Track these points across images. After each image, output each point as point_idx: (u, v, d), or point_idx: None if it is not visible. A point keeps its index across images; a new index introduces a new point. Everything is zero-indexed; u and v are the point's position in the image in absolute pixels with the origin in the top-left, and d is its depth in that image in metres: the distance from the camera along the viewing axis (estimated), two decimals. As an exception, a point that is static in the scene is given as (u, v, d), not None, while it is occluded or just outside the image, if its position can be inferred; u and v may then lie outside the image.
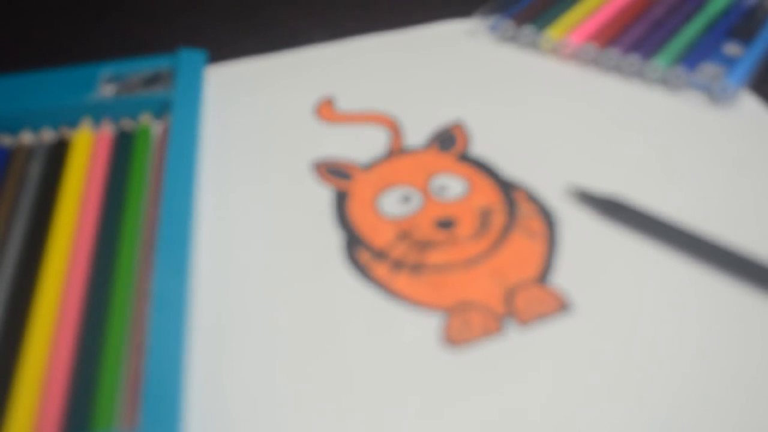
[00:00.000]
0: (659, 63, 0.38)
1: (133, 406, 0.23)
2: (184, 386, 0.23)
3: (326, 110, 0.38)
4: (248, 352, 0.26)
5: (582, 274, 0.28)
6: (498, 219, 0.31)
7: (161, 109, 0.36)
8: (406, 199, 0.32)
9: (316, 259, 0.29)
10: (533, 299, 0.27)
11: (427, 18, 0.45)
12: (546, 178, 0.33)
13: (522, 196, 0.32)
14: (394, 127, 0.36)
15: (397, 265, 0.29)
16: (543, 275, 0.28)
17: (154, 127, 0.35)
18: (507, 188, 0.32)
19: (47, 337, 0.25)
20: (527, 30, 0.41)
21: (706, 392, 0.24)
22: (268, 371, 0.25)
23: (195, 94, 0.36)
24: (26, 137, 0.34)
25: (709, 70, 0.38)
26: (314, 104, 0.38)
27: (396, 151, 0.35)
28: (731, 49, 0.40)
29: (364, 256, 0.29)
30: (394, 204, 0.32)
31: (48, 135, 0.34)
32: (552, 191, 0.32)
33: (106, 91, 0.37)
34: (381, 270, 0.29)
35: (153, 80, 0.38)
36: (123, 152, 0.33)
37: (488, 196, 0.32)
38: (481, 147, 0.35)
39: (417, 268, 0.29)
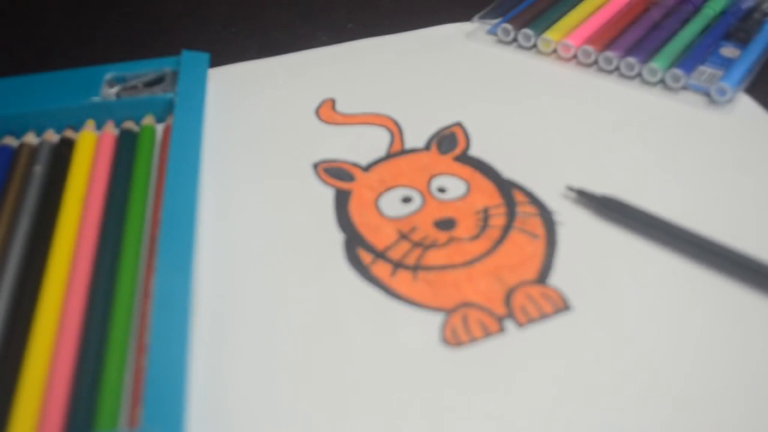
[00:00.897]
0: (657, 65, 0.38)
1: (136, 405, 0.23)
2: (187, 386, 0.23)
3: (327, 111, 0.38)
4: (249, 351, 0.26)
5: (581, 275, 0.28)
6: (497, 219, 0.31)
7: (164, 111, 0.36)
8: (406, 200, 0.32)
9: (317, 259, 0.29)
10: (533, 299, 0.27)
11: (427, 21, 0.44)
12: (545, 178, 0.33)
13: (521, 197, 0.32)
14: (394, 129, 0.36)
15: (398, 265, 0.29)
16: (542, 275, 0.28)
17: (156, 128, 0.35)
18: (506, 189, 0.32)
19: (50, 337, 0.25)
20: (526, 33, 0.41)
21: (706, 391, 0.24)
22: (268, 371, 0.25)
23: (198, 95, 0.36)
24: (30, 138, 0.34)
25: (706, 72, 0.38)
26: (315, 106, 0.38)
27: (396, 152, 0.35)
28: (728, 51, 0.40)
29: (365, 257, 0.29)
30: (394, 205, 0.32)
31: (52, 136, 0.34)
32: (551, 192, 0.32)
33: (110, 92, 0.37)
34: (381, 270, 0.29)
35: (156, 82, 0.38)
36: (126, 153, 0.33)
37: (488, 196, 0.32)
38: (480, 148, 0.35)
39: (417, 269, 0.29)
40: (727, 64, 0.39)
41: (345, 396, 0.24)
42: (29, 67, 0.39)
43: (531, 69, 0.40)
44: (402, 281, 0.28)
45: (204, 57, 0.39)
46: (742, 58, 0.38)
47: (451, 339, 0.26)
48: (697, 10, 0.43)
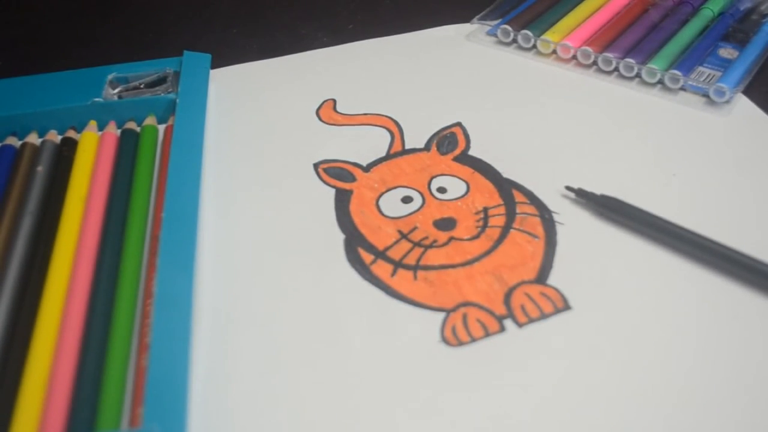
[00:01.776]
0: (656, 66, 0.38)
1: (137, 405, 0.23)
2: (188, 385, 0.23)
3: (328, 112, 0.38)
4: (250, 350, 0.26)
5: (580, 274, 0.28)
6: (497, 219, 0.31)
7: (166, 111, 0.36)
8: (406, 200, 0.32)
9: (318, 258, 0.29)
10: (532, 299, 0.27)
11: (427, 22, 0.44)
12: (544, 178, 0.32)
13: (521, 197, 0.32)
14: (394, 129, 0.36)
15: (398, 265, 0.29)
16: (542, 275, 0.28)
17: (158, 128, 0.35)
18: (506, 189, 0.32)
19: (52, 336, 0.25)
20: (526, 34, 0.41)
21: (706, 391, 0.24)
22: (269, 370, 0.25)
23: (199, 96, 0.36)
24: (33, 139, 0.34)
25: (705, 73, 0.38)
26: (316, 106, 0.38)
27: (397, 152, 0.35)
28: (727, 52, 0.40)
29: (365, 256, 0.29)
30: (394, 204, 0.32)
31: (54, 137, 0.34)
32: (550, 192, 0.32)
33: (112, 93, 0.37)
34: (382, 270, 0.29)
35: (158, 83, 0.38)
36: (128, 153, 0.33)
37: (487, 196, 0.32)
38: (480, 148, 0.35)
39: (417, 268, 0.29)
40: (725, 65, 0.39)
41: (345, 395, 0.24)
42: (32, 67, 0.39)
43: (530, 70, 0.40)
44: (402, 281, 0.28)
45: (206, 58, 0.39)
46: (741, 59, 0.38)
47: (452, 338, 0.26)
48: (695, 11, 0.43)
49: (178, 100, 0.35)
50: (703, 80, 0.38)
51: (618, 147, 0.34)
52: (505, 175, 0.33)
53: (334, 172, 0.34)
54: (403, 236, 0.30)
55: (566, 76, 0.40)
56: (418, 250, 0.29)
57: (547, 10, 0.43)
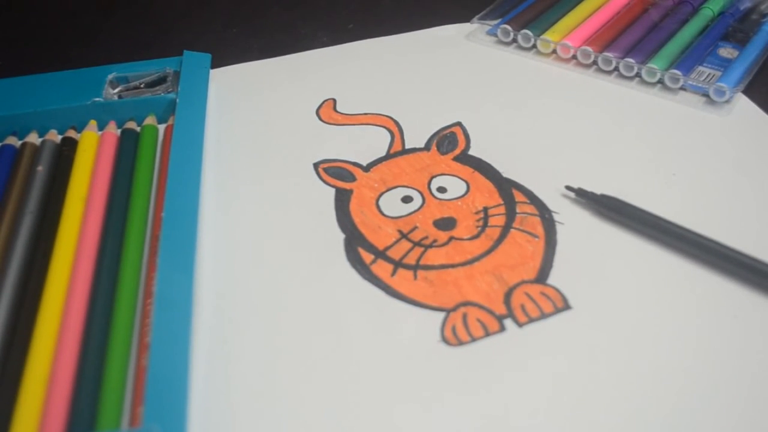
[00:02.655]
0: (656, 66, 0.38)
1: (138, 405, 0.23)
2: (188, 385, 0.23)
3: (328, 112, 0.38)
4: (250, 350, 0.26)
5: (580, 274, 0.28)
6: (497, 219, 0.31)
7: (166, 111, 0.36)
8: (406, 200, 0.32)
9: (318, 258, 0.29)
10: (532, 298, 0.27)
11: (427, 22, 0.44)
12: (544, 178, 0.32)
13: (521, 197, 0.32)
14: (394, 129, 0.36)
15: (398, 264, 0.29)
16: (542, 275, 0.28)
17: (158, 128, 0.35)
18: (506, 188, 0.32)
19: (53, 336, 0.24)
20: (526, 34, 0.41)
21: (705, 391, 0.24)
22: (269, 370, 0.25)
23: (199, 96, 0.36)
24: (33, 138, 0.34)
25: (705, 72, 0.38)
26: (316, 106, 0.38)
27: (397, 152, 0.35)
28: (727, 52, 0.40)
29: (365, 256, 0.29)
30: (394, 204, 0.32)
31: (54, 136, 0.34)
32: (550, 191, 0.32)
33: (112, 93, 0.37)
34: (382, 269, 0.29)
35: (158, 83, 0.38)
36: (128, 153, 0.33)
37: (487, 196, 0.32)
38: (480, 148, 0.35)
39: (417, 268, 0.29)
40: (725, 64, 0.38)
41: (345, 395, 0.24)
42: (31, 67, 0.39)
43: (530, 70, 0.40)
44: (402, 280, 0.28)
45: (206, 57, 0.39)
46: (741, 59, 0.38)
47: (452, 338, 0.26)
48: (695, 11, 0.43)
49: (178, 100, 0.35)
50: (703, 80, 0.38)
51: (618, 147, 0.34)
52: (505, 175, 0.33)
53: (334, 171, 0.34)
54: (403, 236, 0.30)
55: (566, 76, 0.40)
56: (418, 250, 0.29)
57: (547, 9, 0.43)
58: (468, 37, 0.43)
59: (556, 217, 0.31)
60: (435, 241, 0.30)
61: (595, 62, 0.40)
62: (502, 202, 0.31)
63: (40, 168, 0.32)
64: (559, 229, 0.30)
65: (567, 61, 0.41)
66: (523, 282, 0.28)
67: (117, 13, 0.48)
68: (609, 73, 0.39)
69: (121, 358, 0.24)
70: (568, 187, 0.31)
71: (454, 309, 0.27)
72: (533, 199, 0.31)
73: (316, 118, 0.37)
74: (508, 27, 0.42)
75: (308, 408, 0.24)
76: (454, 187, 0.32)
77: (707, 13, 0.42)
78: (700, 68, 0.38)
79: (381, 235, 0.30)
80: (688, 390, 0.24)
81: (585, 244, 0.29)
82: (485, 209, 0.31)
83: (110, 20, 0.47)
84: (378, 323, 0.26)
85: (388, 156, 0.34)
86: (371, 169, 0.34)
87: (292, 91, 0.39)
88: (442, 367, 0.25)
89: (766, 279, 0.27)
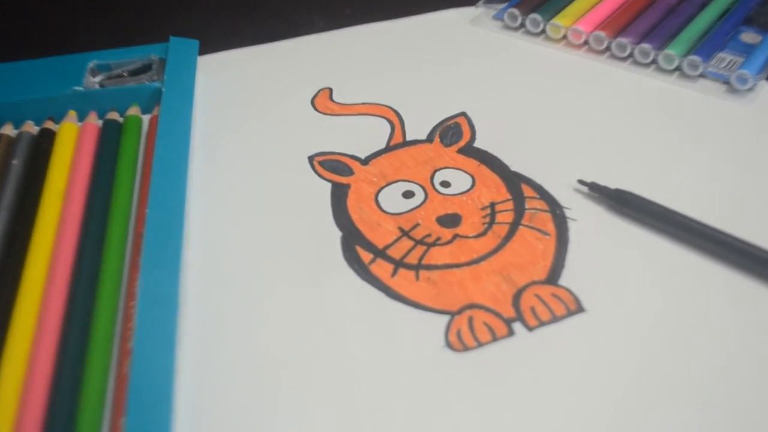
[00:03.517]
0: (673, 52, 0.37)
1: (119, 415, 0.22)
2: (173, 394, 0.23)
3: (324, 101, 0.37)
4: (240, 357, 0.25)
5: (594, 274, 0.28)
6: (505, 215, 0.30)
7: (151, 101, 0.36)
8: (407, 195, 0.31)
9: (313, 257, 0.29)
10: (543, 301, 0.27)
11: (429, 6, 0.44)
12: (555, 171, 0.32)
13: (530, 191, 0.31)
14: (395, 119, 0.36)
15: (399, 264, 0.28)
16: (553, 275, 0.28)
17: (143, 119, 0.35)
18: (514, 183, 0.32)
19: (28, 341, 0.24)
20: (534, 18, 0.41)
21: (732, 401, 0.23)
22: (260, 378, 0.25)
23: (186, 84, 0.36)
24: (8, 130, 0.34)
25: (725, 59, 0.38)
26: (311, 95, 0.38)
27: (397, 144, 0.34)
28: (749, 37, 0.39)
29: (364, 255, 0.29)
30: (395, 200, 0.31)
31: (31, 128, 0.34)
32: (562, 186, 0.31)
33: (93, 81, 0.37)
34: (381, 269, 0.28)
35: (142, 71, 0.38)
36: (110, 144, 0.33)
37: (494, 191, 0.31)
38: (486, 140, 0.34)
39: (419, 268, 0.28)
40: (747, 50, 0.38)
41: (342, 404, 0.24)
42: (8, 54, 0.38)
43: (539, 56, 0.40)
44: (403, 281, 0.28)
45: (193, 44, 0.38)
46: (764, 44, 0.38)
47: (457, 343, 0.25)
48: (715, -7, 0.42)
49: (163, 89, 0.35)
50: (724, 66, 0.37)
51: (633, 138, 0.34)
52: (513, 168, 0.33)
53: (331, 165, 0.33)
54: (404, 233, 0.30)
55: (578, 63, 0.39)
56: (420, 249, 0.29)
57: (556, -8, 0.43)
58: (473, 22, 0.43)
59: (567, 213, 0.30)
60: (438, 239, 0.29)
61: (608, 48, 0.39)
62: (510, 197, 0.31)
63: (15, 161, 0.31)
64: (572, 226, 0.30)
65: (578, 47, 0.40)
66: (533, 283, 0.27)
67: (105, 1, 0.48)
68: (623, 59, 0.39)
69: (100, 365, 0.24)
70: (580, 182, 0.31)
71: (459, 312, 0.26)
72: (543, 194, 0.31)
73: (311, 108, 0.37)
74: (516, 11, 0.41)
75: (302, 420, 0.23)
76: (459, 181, 0.32)
77: (728, -5, 0.42)
78: (721, 54, 0.38)
79: (380, 233, 0.30)
80: (713, 399, 0.23)
81: (599, 242, 0.29)
82: (492, 205, 0.31)
83: (91, 4, 0.47)
84: (377, 327, 0.26)
85: (388, 148, 0.34)
86: (370, 163, 0.33)
87: (286, 80, 0.39)
88: (446, 374, 0.25)
89: (793, 279, 0.26)
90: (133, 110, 0.35)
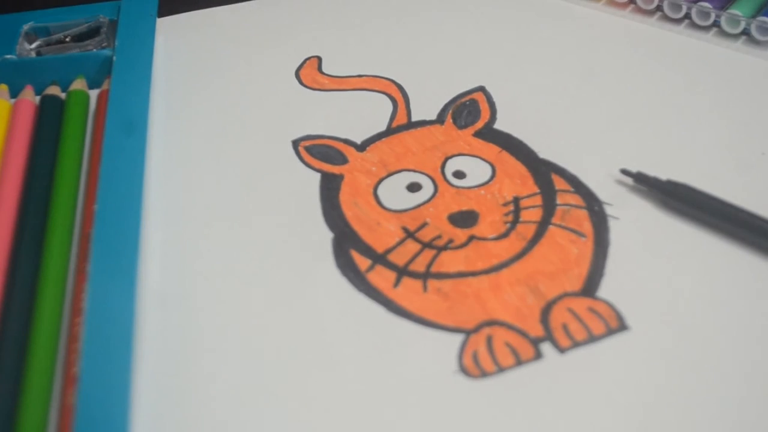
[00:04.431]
0: (739, 12, 0.37)
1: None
2: (129, 428, 0.23)
3: (311, 73, 0.38)
4: (212, 384, 0.26)
5: (641, 284, 0.28)
6: (531, 213, 0.30)
7: (100, 72, 0.36)
8: (413, 188, 0.32)
9: (298, 264, 0.29)
10: (578, 316, 0.27)
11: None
12: (593, 159, 0.32)
13: (562, 184, 0.32)
14: (397, 95, 0.36)
15: (403, 272, 0.29)
16: (590, 285, 0.28)
17: (90, 94, 0.35)
18: (543, 173, 0.32)
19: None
20: (569, -30, 0.41)
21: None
22: (236, 408, 0.25)
23: (143, 52, 0.36)
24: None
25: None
26: (296, 66, 0.38)
27: (401, 125, 0.35)
28: (831, -6, 0.40)
29: (360, 261, 0.29)
30: (398, 194, 0.31)
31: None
32: (601, 176, 0.32)
33: (28, 49, 0.37)
34: (382, 278, 0.28)
35: (89, 35, 0.38)
36: (50, 126, 0.33)
37: (519, 183, 0.32)
38: (509, 120, 0.34)
39: (428, 277, 0.28)
40: (829, 10, 0.38)
41: (334, 442, 0.24)
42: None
43: (575, 18, 0.40)
44: (408, 293, 0.28)
45: (151, 3, 0.38)
46: None
47: (473, 368, 0.26)
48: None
49: (115, 58, 0.35)
50: (801, 31, 0.37)
51: (689, 118, 0.34)
52: (541, 155, 0.33)
53: (320, 151, 0.33)
54: (410, 235, 0.30)
55: (622, 26, 0.39)
56: (428, 253, 0.29)
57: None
58: (493, -24, 0.43)
59: (608, 209, 0.30)
60: (450, 241, 0.30)
61: (659, 7, 0.40)
62: (537, 191, 0.31)
63: (-65, 147, 0.32)
64: (613, 226, 0.30)
65: (623, 6, 0.40)
66: (566, 295, 0.28)
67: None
68: (678, 21, 0.39)
69: (39, 394, 0.24)
70: (623, 171, 0.31)
71: (476, 330, 0.27)
72: (578, 186, 0.31)
73: (296, 81, 0.37)
74: (546, -38, 0.41)
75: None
76: (476, 171, 0.32)
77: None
78: (797, 15, 0.38)
79: (380, 234, 0.30)
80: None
81: (646, 246, 0.29)
82: (516, 200, 0.31)
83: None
84: (376, 349, 0.26)
85: (390, 131, 0.34)
86: (367, 148, 0.34)
87: (265, 47, 0.39)
88: (459, 405, 0.25)
89: None
90: (78, 84, 0.35)
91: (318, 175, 0.32)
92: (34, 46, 0.37)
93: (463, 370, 0.26)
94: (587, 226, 0.30)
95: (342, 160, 0.33)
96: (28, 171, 0.31)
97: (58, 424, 0.24)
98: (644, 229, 0.30)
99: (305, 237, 0.30)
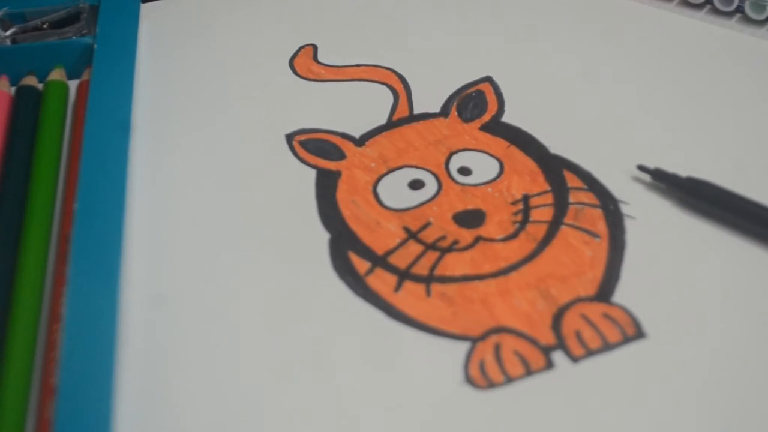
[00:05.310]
0: (764, -3, 0.38)
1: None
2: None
3: (306, 62, 0.38)
4: (199, 395, 0.26)
5: (659, 288, 0.28)
6: (542, 212, 0.30)
7: (80, 61, 0.36)
8: (416, 185, 0.32)
9: (293, 267, 0.29)
10: (592, 323, 0.27)
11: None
12: (608, 154, 0.32)
13: (575, 181, 0.32)
14: (399, 86, 0.36)
15: (404, 275, 0.29)
16: (605, 290, 0.28)
17: (69, 85, 0.35)
18: (554, 169, 0.32)
19: None
20: (582, -48, 0.41)
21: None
22: (227, 422, 0.25)
23: (126, 39, 0.36)
24: None
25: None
26: (290, 54, 0.38)
27: (402, 118, 0.35)
28: None
29: (359, 264, 0.29)
30: (399, 191, 0.31)
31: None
32: (616, 173, 0.32)
33: (4, 36, 0.37)
34: (382, 282, 0.28)
35: (68, 21, 0.38)
36: (26, 119, 0.33)
37: (529, 179, 0.32)
38: (518, 113, 0.34)
39: (431, 280, 0.28)
40: None
41: (331, 457, 0.24)
42: None
43: (588, 3, 0.40)
44: (410, 297, 0.28)
45: (135, -14, 0.39)
46: None
47: (479, 378, 0.26)
48: None
49: (96, 46, 0.35)
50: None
51: (711, 111, 0.34)
52: (552, 151, 0.33)
53: (315, 145, 0.33)
54: (412, 236, 0.30)
55: (638, 11, 0.39)
56: (432, 255, 0.29)
57: None
58: (501, -42, 0.43)
59: (624, 208, 0.30)
60: (455, 242, 0.30)
61: (678, -7, 0.40)
62: (548, 189, 0.31)
63: None
64: (629, 226, 0.30)
65: (639, -9, 0.40)
66: (579, 300, 0.28)
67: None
68: (698, 7, 0.39)
69: (15, 407, 0.24)
70: (640, 168, 0.31)
71: (483, 338, 0.27)
72: (592, 183, 0.31)
73: (290, 71, 0.37)
74: (558, -57, 0.41)
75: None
76: (482, 167, 0.32)
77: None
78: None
79: (380, 235, 0.30)
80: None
81: (664, 247, 0.29)
82: (525, 198, 0.31)
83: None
84: (376, 357, 0.26)
85: (390, 124, 0.34)
86: (367, 143, 0.34)
87: (257, 34, 0.39)
88: (465, 417, 0.25)
89: None
90: (57, 74, 0.35)
91: (313, 172, 0.32)
92: (9, 33, 0.37)
93: (469, 380, 0.26)
94: (602, 227, 0.30)
95: (339, 155, 0.33)
96: (3, 167, 0.31)
97: (36, 436, 0.24)
98: (662, 229, 0.30)
99: (300, 238, 0.30)
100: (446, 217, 0.30)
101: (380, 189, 0.32)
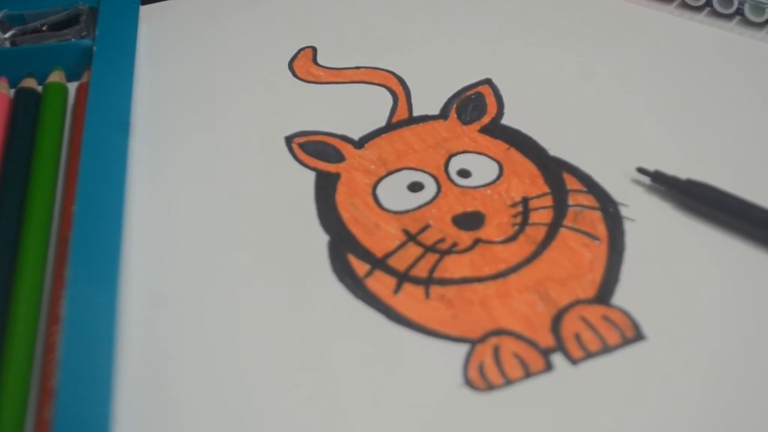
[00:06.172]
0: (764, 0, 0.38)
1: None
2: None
3: (306, 65, 0.38)
4: (198, 398, 0.26)
5: (659, 290, 0.28)
6: (541, 214, 0.30)
7: (79, 64, 0.36)
8: (415, 188, 0.32)
9: (292, 269, 0.29)
10: (591, 325, 0.27)
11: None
12: (608, 157, 0.32)
13: (575, 183, 0.32)
14: (398, 89, 0.36)
15: (404, 277, 0.29)
16: (604, 292, 0.28)
17: (68, 87, 0.35)
18: (554, 171, 0.32)
19: None
20: (581, -45, 0.41)
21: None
22: (226, 424, 0.25)
23: (125, 42, 0.36)
24: None
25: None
26: (289, 57, 0.38)
27: (401, 120, 0.35)
28: None
29: (358, 266, 0.29)
30: (398, 194, 0.31)
31: None
32: (616, 175, 0.32)
33: (3, 38, 0.37)
34: (381, 285, 0.29)
35: (68, 24, 0.38)
36: (25, 121, 0.33)
37: (528, 182, 0.32)
38: (518, 115, 0.34)
39: (430, 283, 0.29)
40: None
41: (330, 460, 0.24)
42: None
43: (586, 5, 0.40)
44: (409, 300, 0.28)
45: (135, -11, 0.39)
46: None
47: (478, 380, 0.26)
48: None
49: (95, 48, 0.35)
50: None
51: (710, 113, 0.34)
52: (552, 153, 0.33)
53: (315, 148, 0.34)
54: (411, 238, 0.30)
55: (638, 13, 0.40)
56: (431, 258, 0.29)
57: None
58: (501, -39, 0.43)
59: (623, 211, 0.30)
60: (455, 244, 0.30)
61: (678, -5, 0.40)
62: (548, 191, 0.31)
63: None
64: (629, 229, 0.30)
65: (639, -7, 0.41)
66: (579, 302, 0.28)
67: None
68: (698, 9, 0.39)
69: (14, 408, 0.24)
70: (640, 170, 0.31)
71: (482, 340, 0.27)
72: (591, 186, 0.31)
73: (290, 73, 0.37)
74: (557, -54, 0.42)
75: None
76: (482, 169, 0.32)
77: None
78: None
79: (379, 237, 0.30)
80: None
81: (664, 249, 0.29)
82: (525, 200, 0.31)
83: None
84: (375, 359, 0.26)
85: (390, 127, 0.34)
86: (366, 145, 0.34)
87: (256, 36, 0.39)
88: (464, 420, 0.25)
89: None
90: (56, 76, 0.35)
91: (312, 174, 0.32)
92: (8, 35, 0.37)
93: (469, 382, 0.26)
94: (601, 229, 0.30)
95: (338, 157, 0.33)
96: (2, 169, 0.31)
97: (35, 438, 0.24)
98: (662, 231, 0.30)
99: (299, 240, 0.30)
100: (445, 219, 0.30)
101: (379, 191, 0.32)
